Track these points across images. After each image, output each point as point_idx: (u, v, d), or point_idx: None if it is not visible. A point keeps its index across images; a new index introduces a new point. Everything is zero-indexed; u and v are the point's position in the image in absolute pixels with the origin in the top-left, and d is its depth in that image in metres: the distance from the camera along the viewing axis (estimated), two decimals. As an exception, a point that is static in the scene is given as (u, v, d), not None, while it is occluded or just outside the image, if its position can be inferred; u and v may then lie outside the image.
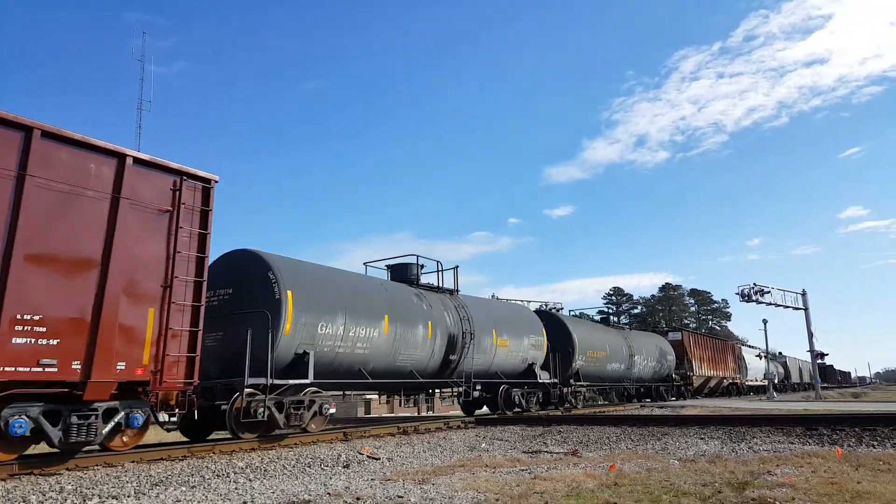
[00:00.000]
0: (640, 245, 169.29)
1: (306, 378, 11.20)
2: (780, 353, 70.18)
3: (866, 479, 6.38)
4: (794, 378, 63.96)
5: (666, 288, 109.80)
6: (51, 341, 7.24)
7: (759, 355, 59.15)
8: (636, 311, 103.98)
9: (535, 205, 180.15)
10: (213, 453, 9.49)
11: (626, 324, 28.15)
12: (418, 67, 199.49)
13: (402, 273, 16.49)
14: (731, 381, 40.82)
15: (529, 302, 24.63)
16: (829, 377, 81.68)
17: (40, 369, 7.13)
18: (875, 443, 9.97)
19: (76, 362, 7.46)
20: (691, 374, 32.75)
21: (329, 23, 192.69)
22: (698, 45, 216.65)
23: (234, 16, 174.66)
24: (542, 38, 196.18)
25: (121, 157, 8.24)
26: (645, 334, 32.18)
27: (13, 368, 6.91)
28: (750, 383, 45.60)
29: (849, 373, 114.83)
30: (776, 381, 49.32)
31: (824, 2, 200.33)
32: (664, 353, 29.97)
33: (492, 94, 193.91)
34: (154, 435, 18.18)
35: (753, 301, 37.05)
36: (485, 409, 19.12)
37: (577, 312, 38.47)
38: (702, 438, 11.33)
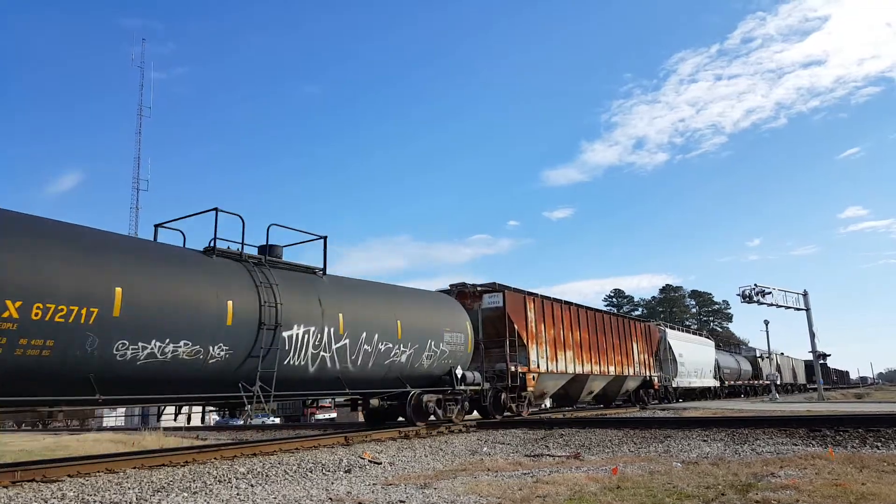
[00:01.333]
0: (639, 246, 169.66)
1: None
2: (748, 345, 62.02)
3: (871, 481, 6.35)
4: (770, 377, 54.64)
5: (666, 289, 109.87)
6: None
7: (750, 349, 51.76)
8: (637, 312, 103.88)
9: (535, 207, 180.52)
10: (215, 459, 9.47)
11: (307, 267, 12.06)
12: (417, 70, 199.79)
13: None
14: (642, 381, 26.43)
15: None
16: (824, 377, 73.91)
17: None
18: (879, 444, 9.93)
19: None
20: (524, 370, 17.34)
21: (327, 25, 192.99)
22: (696, 47, 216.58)
23: (232, 19, 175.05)
24: (539, 41, 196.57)
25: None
26: (373, 286, 14.02)
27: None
28: (685, 384, 31.61)
29: (846, 372, 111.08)
30: (739, 380, 43.10)
31: (821, 3, 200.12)
32: (438, 329, 14.31)
33: (490, 96, 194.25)
34: (155, 440, 18.18)
35: (755, 302, 36.98)
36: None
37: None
38: (704, 440, 11.30)
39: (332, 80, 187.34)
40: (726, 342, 68.15)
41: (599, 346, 22.40)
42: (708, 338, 39.27)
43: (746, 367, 46.79)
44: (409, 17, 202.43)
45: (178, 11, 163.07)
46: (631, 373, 24.98)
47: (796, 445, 10.23)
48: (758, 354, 50.61)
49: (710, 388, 36.33)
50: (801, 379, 63.37)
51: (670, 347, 30.14)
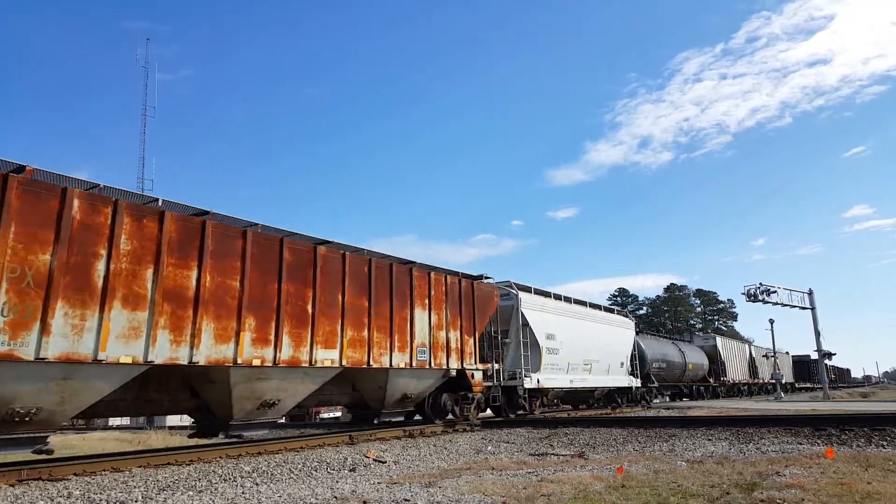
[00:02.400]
0: (644, 246, 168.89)
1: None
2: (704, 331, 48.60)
3: (876, 480, 6.34)
4: (738, 375, 40.41)
5: (671, 289, 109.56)
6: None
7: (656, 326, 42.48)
8: (641, 311, 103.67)
9: (538, 207, 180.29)
10: (220, 457, 9.49)
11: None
12: (419, 70, 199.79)
13: None
14: (440, 379, 14.75)
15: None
16: (813, 375, 58.69)
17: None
18: (885, 443, 9.91)
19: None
20: None
21: (329, 26, 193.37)
22: (700, 46, 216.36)
23: (236, 21, 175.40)
24: (543, 40, 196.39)
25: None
26: None
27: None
28: (563, 384, 19.72)
29: (847, 370, 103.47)
30: (685, 373, 32.18)
31: (826, 2, 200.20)
32: None
33: (493, 96, 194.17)
34: (161, 439, 18.26)
35: (760, 301, 36.84)
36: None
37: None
38: (709, 440, 11.28)
39: (335, 81, 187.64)
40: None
41: (293, 308, 11.10)
42: (626, 316, 26.29)
43: (699, 359, 34.26)
44: (411, 17, 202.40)
45: (181, 13, 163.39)
46: (401, 363, 13.30)
47: (801, 444, 10.20)
48: (718, 343, 38.26)
49: (626, 389, 24.90)
50: (788, 377, 54.36)
51: (525, 322, 17.84)
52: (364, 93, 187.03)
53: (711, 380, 36.08)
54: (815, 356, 57.73)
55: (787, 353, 58.22)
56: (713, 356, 37.10)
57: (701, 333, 42.77)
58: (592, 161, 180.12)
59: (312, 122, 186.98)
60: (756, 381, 44.11)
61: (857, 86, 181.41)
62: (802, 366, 60.10)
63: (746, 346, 45.88)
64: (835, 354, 50.85)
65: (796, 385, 56.65)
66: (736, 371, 40.17)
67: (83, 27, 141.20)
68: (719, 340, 39.16)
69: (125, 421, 34.60)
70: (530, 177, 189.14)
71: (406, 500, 6.02)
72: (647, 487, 6.34)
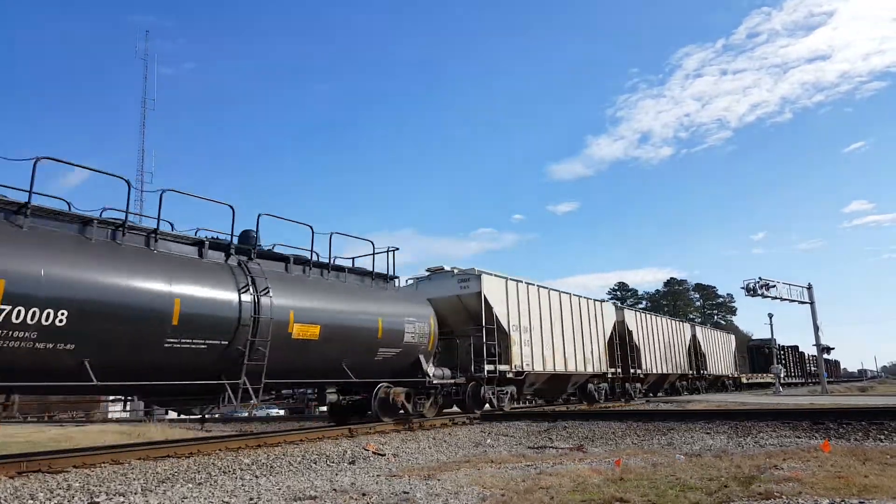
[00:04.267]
0: (644, 240, 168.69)
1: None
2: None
3: (873, 473, 6.35)
4: (572, 361, 19.88)
5: (671, 283, 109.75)
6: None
7: None
8: (641, 306, 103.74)
9: (539, 201, 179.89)
10: (220, 450, 9.51)
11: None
12: (423, 65, 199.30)
13: None
14: None
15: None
16: (802, 368, 53.62)
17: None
18: (882, 437, 9.94)
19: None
20: None
21: (336, 24, 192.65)
22: (701, 42, 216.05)
23: (242, 17, 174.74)
24: (546, 37, 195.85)
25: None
26: None
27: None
28: None
29: (837, 362, 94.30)
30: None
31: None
32: None
33: (496, 92, 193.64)
34: (160, 431, 18.30)
35: (759, 295, 36.86)
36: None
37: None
38: (707, 433, 11.31)
39: (339, 77, 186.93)
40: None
41: None
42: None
43: (382, 320, 12.56)
44: (413, 12, 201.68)
45: (187, 8, 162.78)
46: None
47: (799, 438, 10.23)
48: (485, 288, 16.46)
49: None
50: (728, 368, 40.11)
51: None
52: (367, 89, 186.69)
53: (424, 370, 13.88)
54: (781, 343, 56.74)
55: (730, 335, 43.60)
56: (473, 316, 16.57)
57: (458, 270, 17.33)
58: (593, 155, 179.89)
59: (315, 117, 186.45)
60: (633, 370, 25.11)
61: (856, 82, 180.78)
62: (760, 354, 47.94)
63: (605, 307, 23.81)
64: (833, 349, 50.12)
65: (744, 380, 42.25)
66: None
67: (90, 21, 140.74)
68: (488, 282, 16.85)
69: (125, 413, 34.64)
70: (532, 171, 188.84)
71: (405, 492, 6.03)
72: (646, 480, 6.35)
